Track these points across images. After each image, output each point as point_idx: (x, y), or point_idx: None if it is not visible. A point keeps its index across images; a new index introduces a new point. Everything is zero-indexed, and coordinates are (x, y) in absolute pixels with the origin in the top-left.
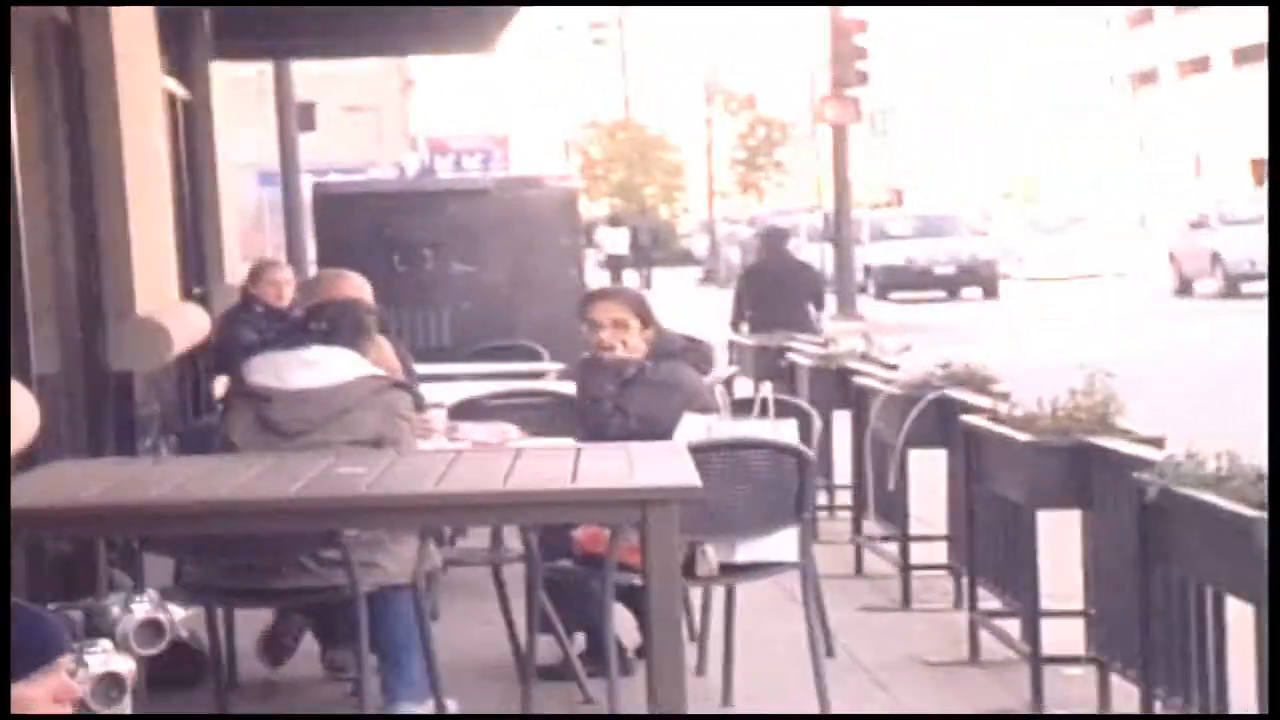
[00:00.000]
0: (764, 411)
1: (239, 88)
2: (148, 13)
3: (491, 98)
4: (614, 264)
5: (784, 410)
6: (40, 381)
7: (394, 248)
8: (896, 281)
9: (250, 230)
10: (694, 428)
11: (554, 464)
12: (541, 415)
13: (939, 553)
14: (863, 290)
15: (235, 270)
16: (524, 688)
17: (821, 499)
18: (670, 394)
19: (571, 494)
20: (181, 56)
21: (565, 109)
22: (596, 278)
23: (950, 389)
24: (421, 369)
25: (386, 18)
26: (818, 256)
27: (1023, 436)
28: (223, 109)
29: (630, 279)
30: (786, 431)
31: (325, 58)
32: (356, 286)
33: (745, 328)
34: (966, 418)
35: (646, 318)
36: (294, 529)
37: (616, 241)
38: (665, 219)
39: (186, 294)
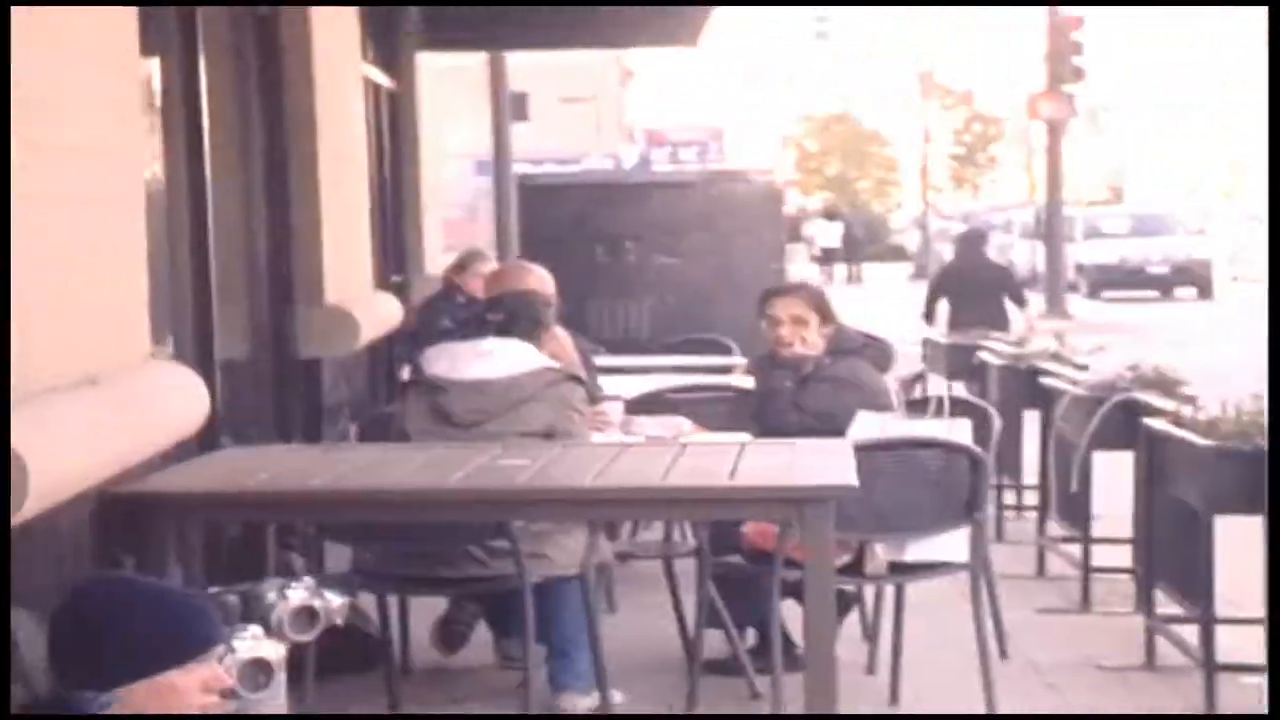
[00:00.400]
0: (940, 410)
1: (458, 77)
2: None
3: (710, 90)
4: (826, 258)
5: (963, 409)
6: (229, 366)
7: (597, 240)
8: (1109, 280)
9: (465, 220)
10: (868, 425)
11: (716, 460)
12: (723, 410)
13: (1124, 556)
14: (1074, 289)
15: (436, 259)
16: (690, 682)
17: (1009, 499)
18: (847, 391)
19: (726, 491)
20: (387, 47)
21: (783, 102)
22: (808, 271)
23: (1137, 391)
24: (610, 361)
25: (590, 10)
26: (1029, 254)
27: (1203, 441)
28: (440, 99)
29: (841, 273)
30: (960, 431)
31: (531, 49)
32: (539, 278)
33: (939, 324)
34: (1149, 420)
35: (826, 314)
36: (450, 519)
37: (829, 235)
38: (878, 214)
39: (383, 282)
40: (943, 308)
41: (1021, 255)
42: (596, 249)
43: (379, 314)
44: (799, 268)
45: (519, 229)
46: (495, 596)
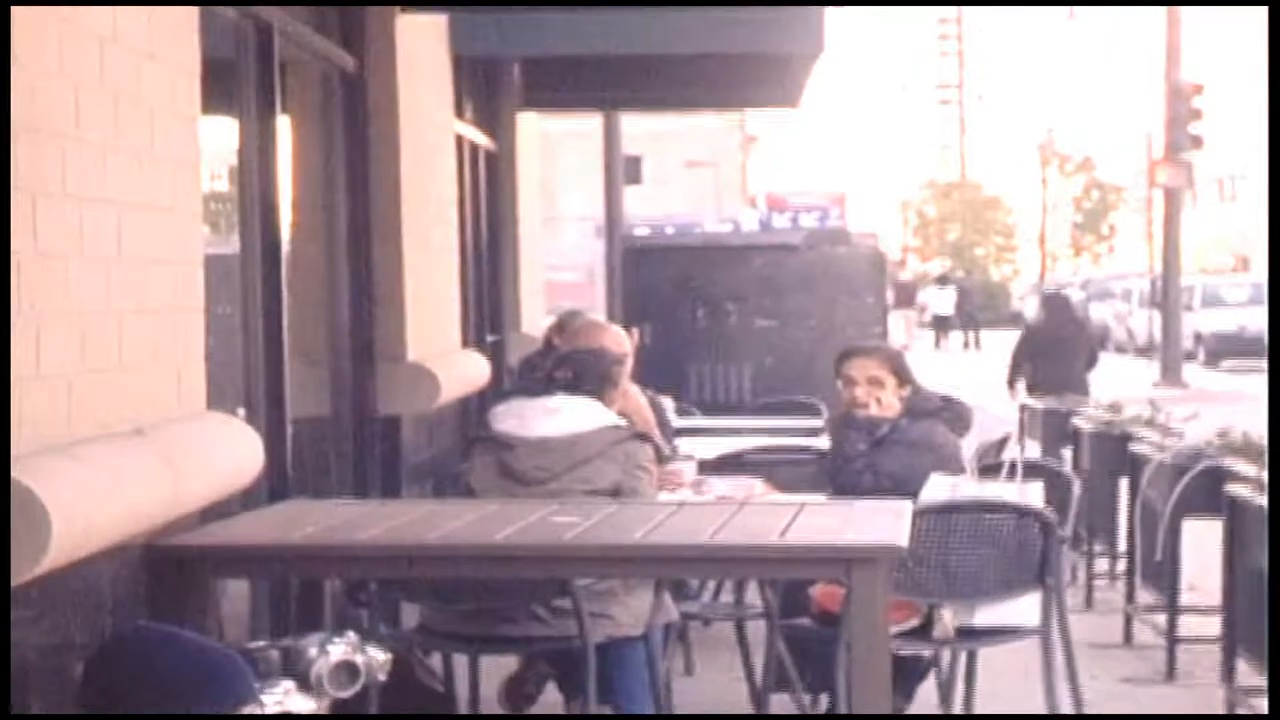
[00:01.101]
0: (1013, 473)
1: (578, 141)
2: (443, 61)
3: (832, 156)
4: (938, 324)
5: (1041, 474)
6: (309, 423)
7: (698, 300)
8: (1227, 349)
9: (583, 283)
10: (939, 488)
11: (771, 519)
12: (801, 472)
13: (1214, 625)
14: (1191, 358)
15: (537, 319)
16: None
17: (1101, 566)
18: (922, 454)
19: (773, 550)
20: (487, 106)
21: (904, 168)
22: (920, 337)
23: (1224, 458)
24: (693, 423)
25: (688, 72)
26: (1146, 322)
27: None
28: (559, 161)
29: (957, 340)
30: (1033, 494)
31: (633, 110)
32: (614, 337)
33: (1022, 386)
34: (1231, 487)
35: (903, 376)
36: (492, 575)
37: (942, 302)
38: (996, 280)
39: (475, 341)
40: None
41: (1139, 323)
42: (698, 310)
43: (463, 372)
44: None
45: (621, 289)
46: (561, 656)
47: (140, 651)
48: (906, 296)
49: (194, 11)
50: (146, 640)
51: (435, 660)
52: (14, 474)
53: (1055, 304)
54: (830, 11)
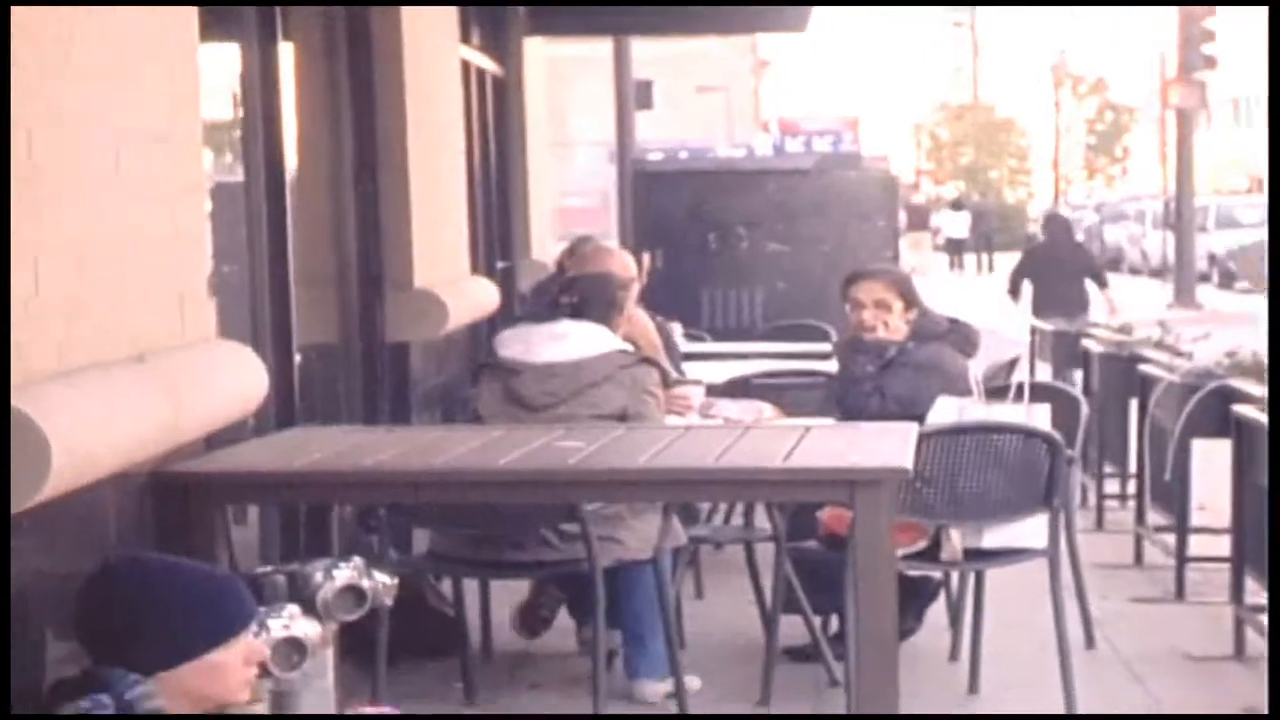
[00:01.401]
0: (1019, 395)
1: (591, 65)
2: None
3: (845, 80)
4: (953, 247)
5: (1049, 395)
6: (317, 350)
7: (710, 226)
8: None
9: (597, 207)
10: (945, 410)
11: (775, 443)
12: (809, 396)
13: (1223, 545)
14: (1205, 279)
15: (547, 245)
16: (765, 668)
17: (1112, 487)
18: (929, 376)
19: (776, 473)
20: (493, 32)
21: (917, 91)
22: (934, 261)
23: (1233, 378)
24: (702, 347)
25: None
26: (1160, 243)
27: None
28: (571, 86)
29: (971, 263)
30: (1040, 416)
31: (640, 35)
32: (620, 262)
33: (1022, 303)
34: (1239, 408)
35: (910, 299)
36: (496, 500)
37: (957, 225)
38: (1011, 204)
39: (486, 268)
40: (1027, 290)
41: (1154, 245)
42: (709, 236)
43: (472, 299)
44: (922, 257)
45: (633, 215)
46: (572, 580)
47: (140, 581)
48: (919, 220)
49: None
50: (143, 570)
51: (446, 585)
52: (13, 402)
53: (1054, 225)
54: None
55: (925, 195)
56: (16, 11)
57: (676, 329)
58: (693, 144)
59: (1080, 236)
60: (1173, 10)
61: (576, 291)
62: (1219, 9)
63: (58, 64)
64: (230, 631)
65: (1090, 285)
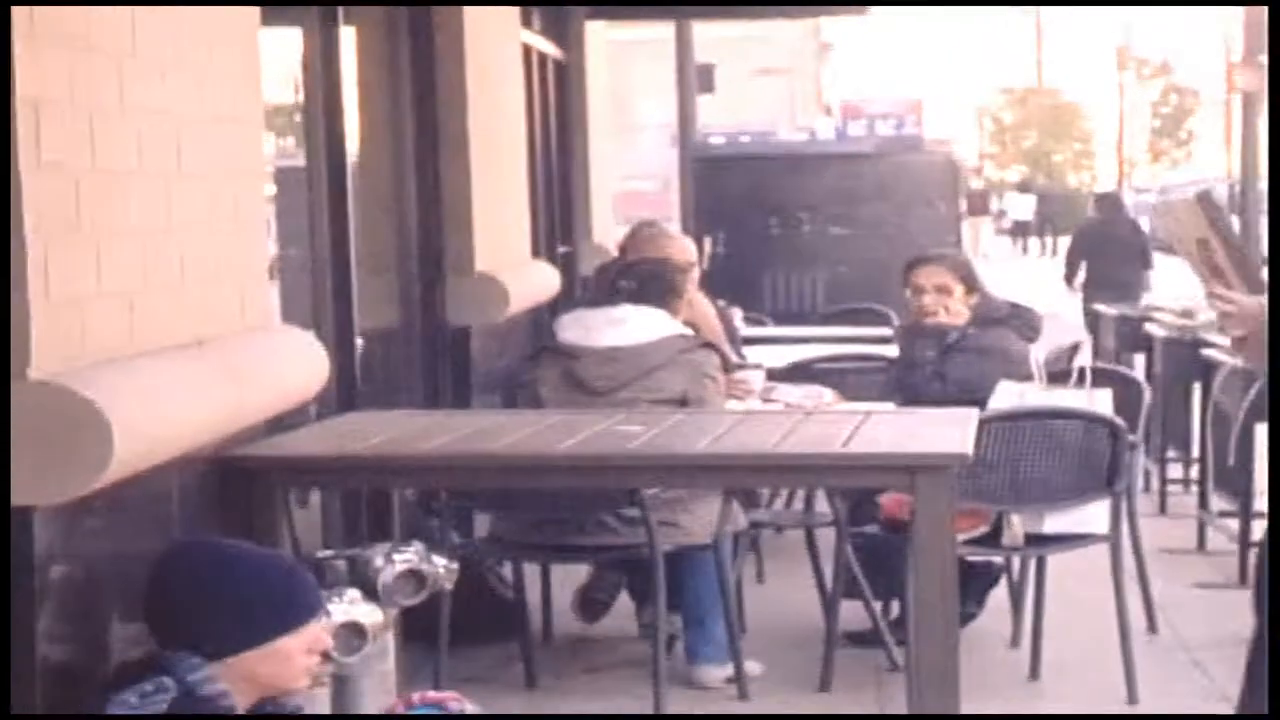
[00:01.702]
0: (1081, 380)
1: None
2: None
3: (909, 63)
4: (1019, 230)
5: (1111, 380)
6: (378, 335)
7: (771, 211)
8: None
9: (659, 191)
10: (1007, 395)
11: (836, 428)
12: (870, 380)
13: None
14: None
15: (609, 230)
16: (825, 653)
17: (1175, 472)
18: (990, 361)
19: (837, 458)
20: (555, 16)
21: (981, 74)
22: (999, 244)
23: None
24: (764, 331)
25: None
26: None
27: None
28: (634, 71)
29: (1034, 247)
30: (1101, 401)
31: (704, 19)
32: (680, 247)
33: (1079, 283)
34: None
35: (971, 283)
36: (557, 485)
37: (1022, 209)
38: (1074, 187)
39: (547, 252)
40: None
41: None
42: (770, 220)
43: (533, 283)
44: (984, 241)
45: (694, 200)
46: (632, 564)
47: (210, 565)
48: (980, 204)
49: None
50: (214, 554)
51: (507, 569)
52: (75, 387)
53: (1107, 203)
54: None
55: (986, 179)
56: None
57: (737, 313)
58: (754, 128)
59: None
60: None
61: (633, 276)
62: None
63: (123, 51)
64: (299, 620)
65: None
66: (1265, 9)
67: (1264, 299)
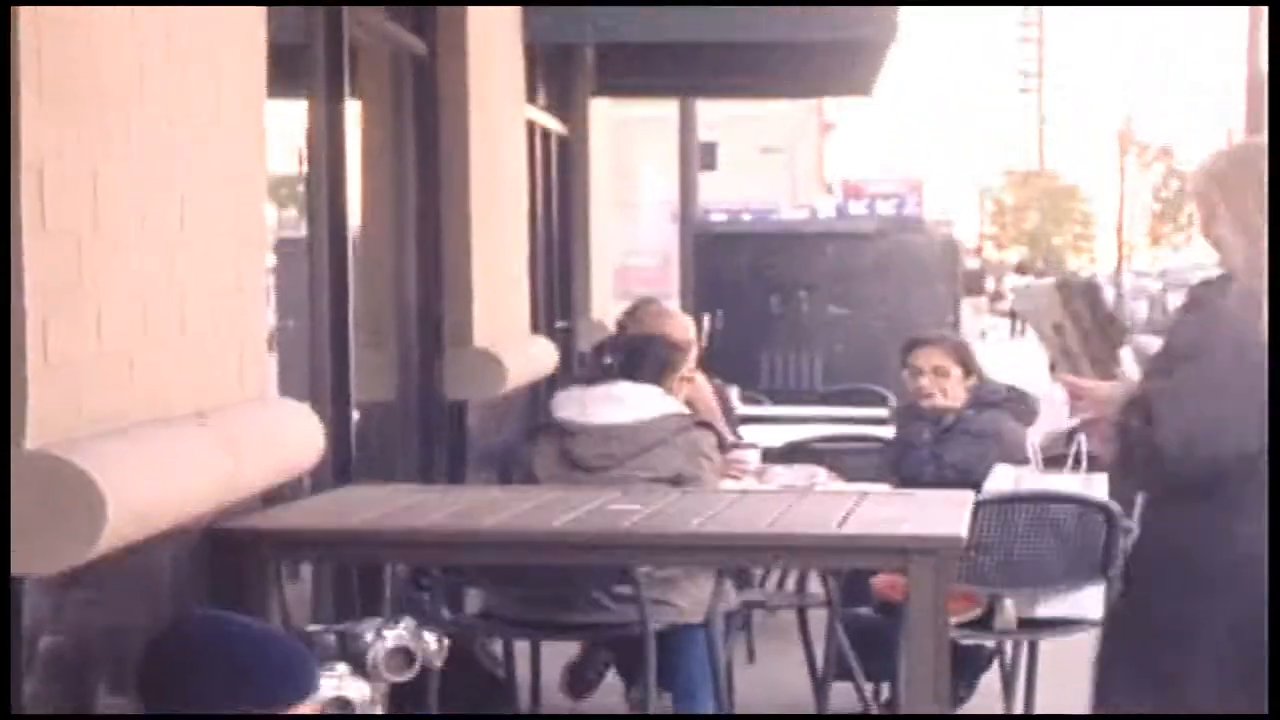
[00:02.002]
0: (1077, 464)
1: (655, 126)
2: (515, 47)
3: (911, 143)
4: (1015, 313)
5: (1102, 464)
6: (375, 408)
7: (771, 288)
8: None
9: (658, 267)
10: (1002, 478)
11: (830, 508)
12: (866, 461)
13: None
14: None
15: (607, 306)
16: None
17: None
18: (987, 444)
19: (831, 539)
20: (559, 92)
21: (983, 156)
22: (997, 325)
23: None
24: (760, 411)
25: (764, 59)
26: None
27: None
28: (635, 147)
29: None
30: (1097, 486)
31: (708, 97)
32: (677, 324)
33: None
34: None
35: (969, 366)
36: (550, 562)
37: None
38: (1074, 270)
39: (546, 327)
40: None
41: None
42: (770, 298)
43: (531, 358)
44: (980, 321)
45: (695, 277)
46: (623, 642)
47: (213, 638)
48: (975, 285)
49: None
50: (217, 627)
51: (497, 646)
52: (69, 456)
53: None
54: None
55: (985, 260)
56: (91, 55)
57: (734, 392)
58: (756, 205)
59: (1144, 303)
60: (1240, 79)
61: (623, 351)
62: None
63: (128, 113)
64: (295, 697)
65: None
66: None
67: (1118, 385)
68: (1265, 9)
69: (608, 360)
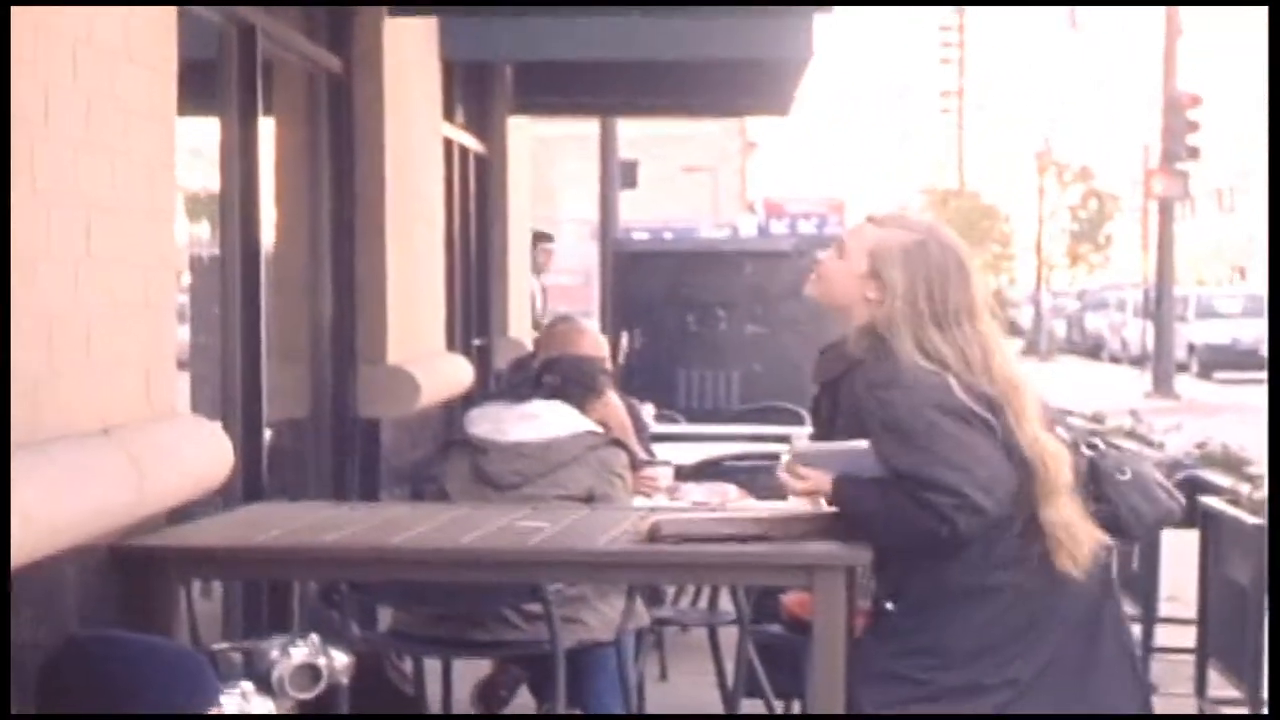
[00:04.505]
0: None
1: (575, 144)
2: (432, 65)
3: (832, 163)
4: None
5: None
6: (288, 425)
7: (688, 307)
8: (1220, 361)
9: (579, 285)
10: None
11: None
12: (778, 478)
13: (1191, 636)
14: (1184, 369)
15: (523, 323)
16: None
17: None
18: None
19: (736, 556)
20: (478, 110)
21: (903, 176)
22: None
23: (1201, 469)
24: (673, 429)
25: (682, 78)
26: (1139, 333)
27: (1251, 519)
28: (556, 165)
29: None
30: None
31: (625, 115)
32: (593, 341)
33: None
34: (1206, 499)
35: None
36: (457, 579)
37: None
38: (992, 289)
39: (461, 345)
40: None
41: (1134, 334)
42: (688, 316)
43: (446, 375)
44: None
45: (611, 294)
46: (534, 660)
47: (92, 656)
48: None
49: (173, 12)
50: (106, 647)
51: (408, 664)
52: None
53: None
54: (830, 18)
55: None
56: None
57: (649, 410)
58: (677, 224)
59: (1062, 323)
60: (1158, 100)
61: (559, 372)
62: (1205, 99)
63: (33, 130)
64: (189, 708)
65: None
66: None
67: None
68: (1180, 29)
69: (545, 379)
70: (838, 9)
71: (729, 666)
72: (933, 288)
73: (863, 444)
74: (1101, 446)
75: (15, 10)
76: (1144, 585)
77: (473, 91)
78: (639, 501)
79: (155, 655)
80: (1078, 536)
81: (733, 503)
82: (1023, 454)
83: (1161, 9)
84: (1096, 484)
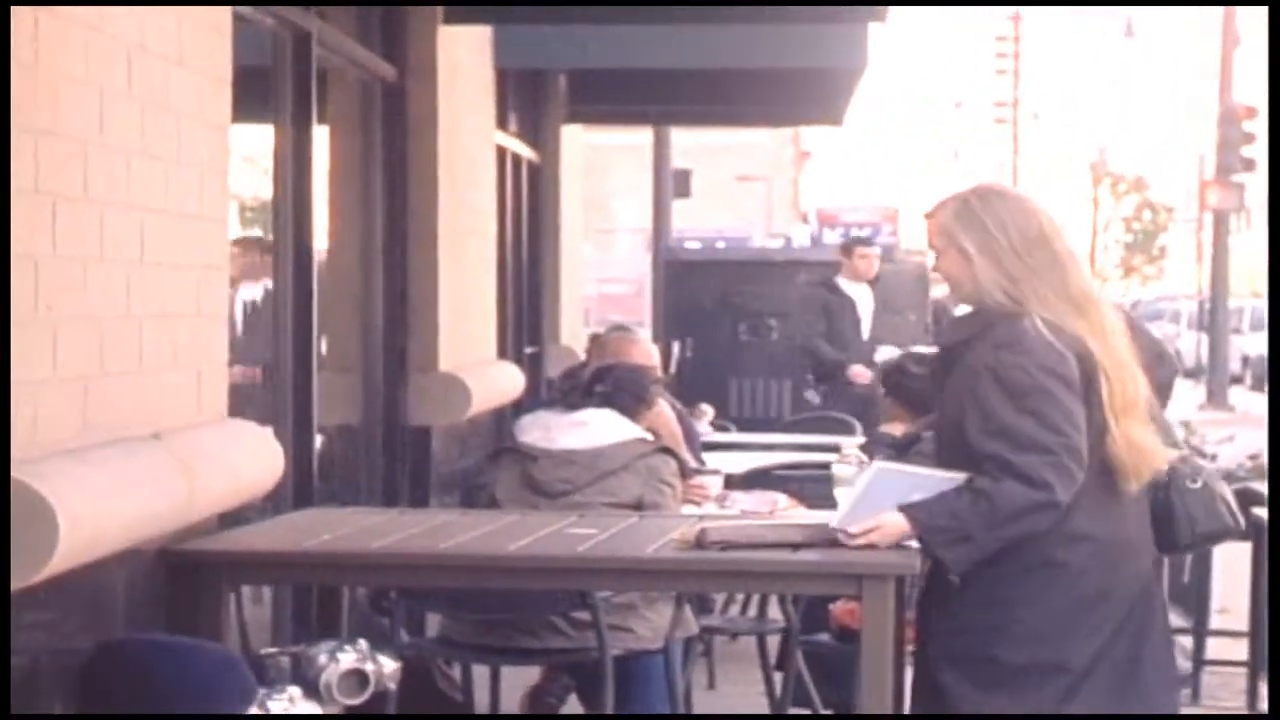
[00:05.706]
0: None
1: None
2: (485, 73)
3: (886, 172)
4: None
5: None
6: (340, 432)
7: (740, 316)
8: None
9: (632, 294)
10: None
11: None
12: (828, 487)
13: (1244, 649)
14: (1238, 381)
15: (576, 332)
16: None
17: None
18: None
19: (786, 564)
20: (531, 118)
21: (958, 186)
22: None
23: (1254, 481)
24: (724, 438)
25: (735, 87)
26: (1194, 344)
27: None
28: (613, 174)
29: None
30: None
31: (679, 124)
32: (643, 350)
33: None
34: (1257, 510)
35: None
36: (505, 586)
37: None
38: None
39: (513, 353)
40: None
41: (1188, 345)
42: (739, 326)
43: (497, 383)
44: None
45: (663, 303)
46: (582, 668)
47: (134, 658)
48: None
49: (228, 19)
50: (140, 648)
51: (456, 670)
52: (22, 477)
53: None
54: (884, 28)
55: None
56: (56, 81)
57: (709, 414)
58: (730, 233)
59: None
60: (1213, 111)
61: (610, 381)
62: (1260, 111)
63: (89, 136)
64: (227, 707)
65: None
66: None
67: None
68: (1238, 39)
69: (598, 389)
70: (892, 19)
71: (777, 676)
72: (991, 230)
73: (939, 473)
74: (1187, 452)
75: (68, 15)
76: (1196, 597)
77: (526, 100)
78: (688, 510)
79: (196, 657)
80: (1144, 453)
81: (782, 511)
82: (1096, 361)
83: (1219, 18)
84: (1165, 485)
